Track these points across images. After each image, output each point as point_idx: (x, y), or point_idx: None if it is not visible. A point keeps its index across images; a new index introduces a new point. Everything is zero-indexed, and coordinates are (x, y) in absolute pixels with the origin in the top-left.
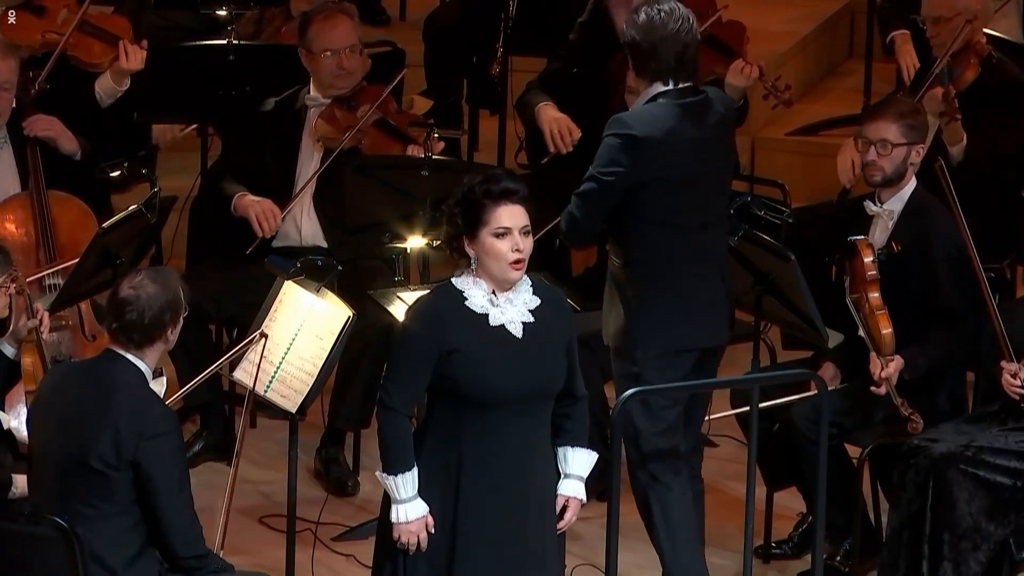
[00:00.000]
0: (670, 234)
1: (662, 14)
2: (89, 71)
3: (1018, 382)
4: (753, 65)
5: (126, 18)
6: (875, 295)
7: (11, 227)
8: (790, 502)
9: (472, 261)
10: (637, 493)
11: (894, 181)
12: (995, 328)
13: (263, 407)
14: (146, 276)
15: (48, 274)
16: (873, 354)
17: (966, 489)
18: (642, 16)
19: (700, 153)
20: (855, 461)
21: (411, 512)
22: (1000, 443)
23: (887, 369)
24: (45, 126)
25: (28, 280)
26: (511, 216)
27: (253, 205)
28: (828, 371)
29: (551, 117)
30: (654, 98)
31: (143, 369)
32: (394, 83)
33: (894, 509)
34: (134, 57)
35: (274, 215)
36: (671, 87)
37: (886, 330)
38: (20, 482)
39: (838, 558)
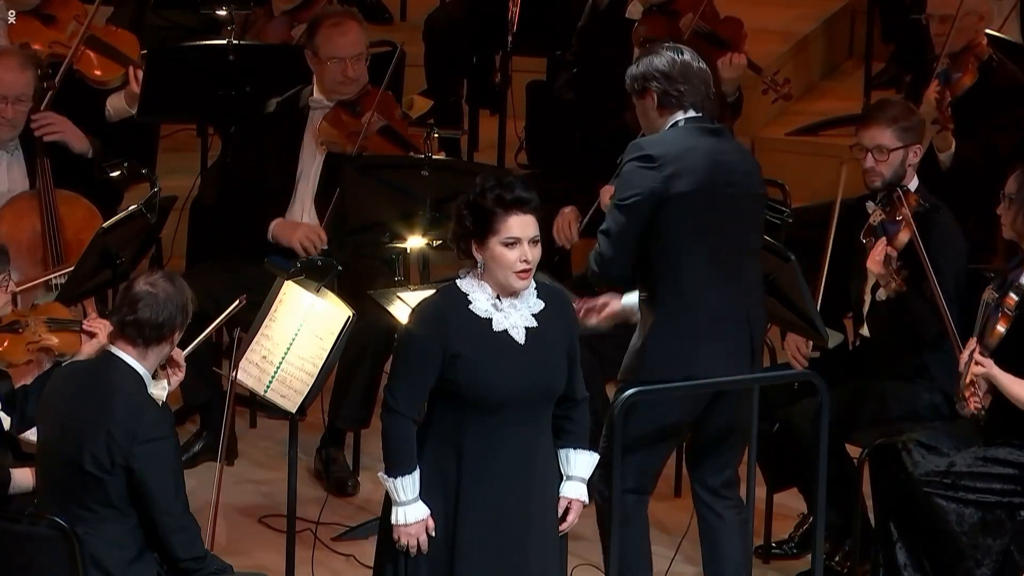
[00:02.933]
0: (691, 261)
1: (684, 53)
2: (96, 88)
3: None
4: (740, 54)
5: (134, 34)
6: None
7: (18, 225)
8: (790, 502)
9: (479, 265)
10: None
11: (895, 184)
12: (951, 341)
13: (263, 407)
14: (162, 275)
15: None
16: (885, 242)
17: (952, 511)
18: (666, 55)
19: (718, 175)
20: (855, 461)
21: (411, 515)
22: (979, 466)
23: (891, 250)
24: (54, 128)
25: (33, 284)
26: (521, 226)
27: (298, 236)
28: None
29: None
30: (674, 125)
31: (142, 373)
32: (387, 76)
33: (880, 507)
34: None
35: (320, 237)
36: (696, 114)
37: (904, 235)
38: (18, 476)
39: (836, 558)
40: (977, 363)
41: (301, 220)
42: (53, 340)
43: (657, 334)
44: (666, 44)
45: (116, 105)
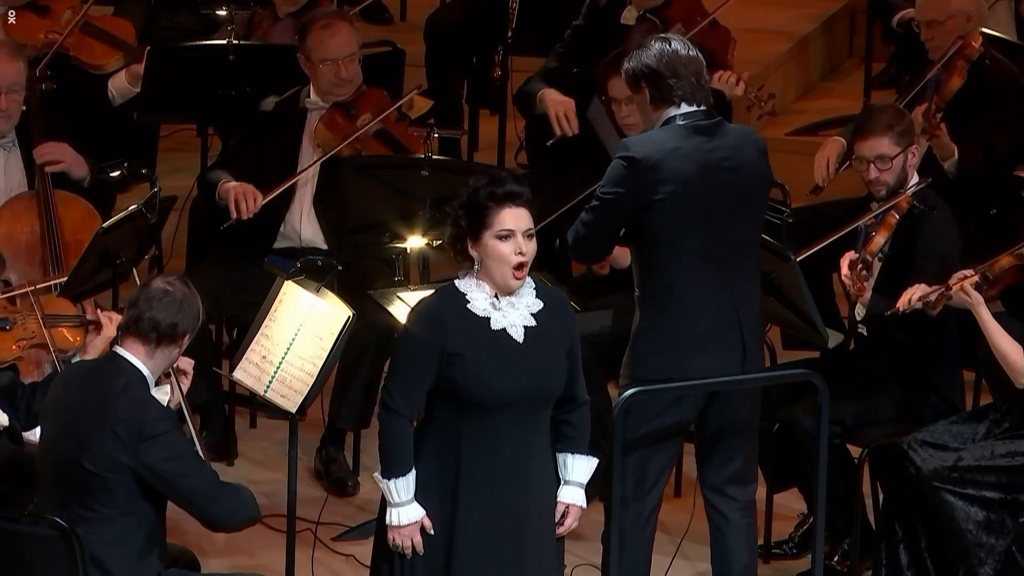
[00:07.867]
0: (678, 258)
1: (673, 43)
2: (93, 72)
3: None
4: (731, 74)
5: (129, 21)
6: (894, 221)
7: (16, 226)
8: (790, 502)
9: (475, 263)
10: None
11: (898, 187)
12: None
13: (263, 407)
14: (178, 278)
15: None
16: (854, 253)
17: (959, 508)
18: (654, 47)
19: (709, 176)
20: (855, 461)
21: (404, 516)
22: (986, 459)
23: (855, 274)
24: (56, 158)
25: (36, 288)
26: (515, 219)
27: (234, 187)
28: None
29: (555, 100)
30: (666, 123)
31: (147, 375)
32: (399, 102)
33: (884, 507)
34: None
35: (253, 197)
36: (690, 108)
37: (880, 238)
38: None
39: (836, 558)
40: (964, 291)
41: (300, 221)
42: (47, 337)
43: (643, 334)
44: (656, 36)
45: (119, 86)
